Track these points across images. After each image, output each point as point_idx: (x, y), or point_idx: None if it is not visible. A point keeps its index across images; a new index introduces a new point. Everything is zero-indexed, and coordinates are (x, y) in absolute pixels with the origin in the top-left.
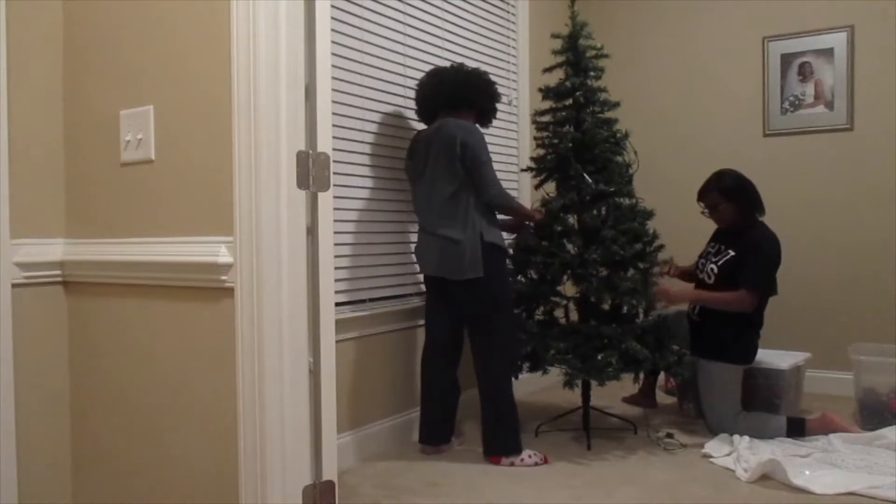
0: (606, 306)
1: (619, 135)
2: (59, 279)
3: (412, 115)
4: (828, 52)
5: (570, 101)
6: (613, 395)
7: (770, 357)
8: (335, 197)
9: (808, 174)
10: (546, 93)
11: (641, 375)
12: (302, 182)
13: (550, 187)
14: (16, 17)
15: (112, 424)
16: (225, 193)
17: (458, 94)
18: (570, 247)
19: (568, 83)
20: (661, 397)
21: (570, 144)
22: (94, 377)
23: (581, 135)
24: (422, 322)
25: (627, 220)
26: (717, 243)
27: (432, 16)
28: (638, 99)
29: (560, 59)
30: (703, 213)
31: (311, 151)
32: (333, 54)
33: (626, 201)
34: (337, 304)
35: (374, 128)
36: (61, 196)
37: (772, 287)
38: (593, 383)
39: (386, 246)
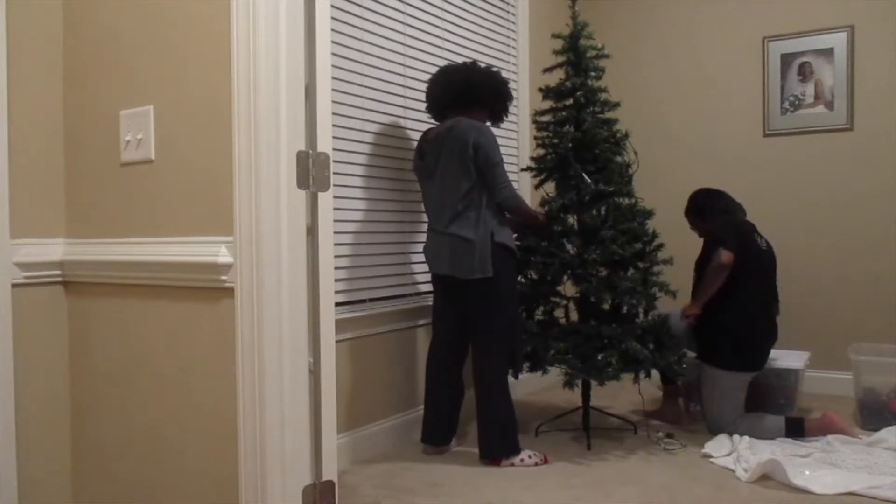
0: (606, 306)
1: (619, 135)
2: (59, 279)
3: (413, 115)
4: (828, 52)
5: (570, 101)
6: (613, 395)
7: (775, 357)
8: (335, 197)
9: (808, 174)
10: (546, 93)
11: (642, 377)
12: (302, 182)
13: (550, 187)
14: (15, 17)
15: (112, 424)
16: (225, 193)
17: (469, 94)
18: (569, 247)
19: (568, 83)
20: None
21: (570, 144)
22: (94, 377)
23: (581, 135)
24: (422, 322)
25: (627, 220)
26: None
27: (432, 16)
28: (638, 99)
29: (560, 59)
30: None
31: (311, 151)
32: (333, 54)
33: (626, 201)
34: (337, 305)
35: (374, 128)
36: (61, 196)
37: (736, 245)
38: (593, 383)
39: (386, 246)
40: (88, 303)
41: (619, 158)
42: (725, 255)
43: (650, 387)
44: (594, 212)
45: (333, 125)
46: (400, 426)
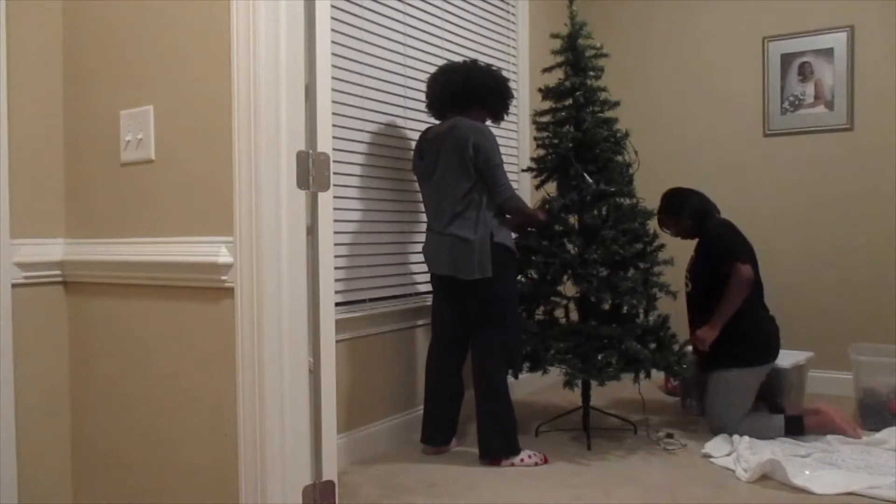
0: (607, 306)
1: (619, 134)
2: (59, 279)
3: (412, 115)
4: (828, 52)
5: (569, 101)
6: (613, 395)
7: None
8: (335, 197)
9: (808, 174)
10: (546, 93)
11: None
12: (302, 182)
13: (551, 187)
14: (16, 17)
15: (112, 424)
16: (225, 193)
17: (469, 92)
18: (570, 247)
19: (568, 83)
20: (662, 397)
21: (571, 144)
22: (94, 377)
23: (581, 134)
24: (421, 322)
25: (628, 220)
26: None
27: (432, 16)
28: (638, 99)
29: (559, 58)
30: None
31: (311, 151)
32: (333, 54)
33: (627, 201)
34: (336, 305)
35: (374, 128)
36: (61, 196)
37: (749, 253)
38: (593, 383)
39: (385, 246)
40: (88, 303)
41: (619, 158)
42: (746, 271)
43: (650, 386)
44: (595, 212)
45: (333, 125)
46: (400, 426)
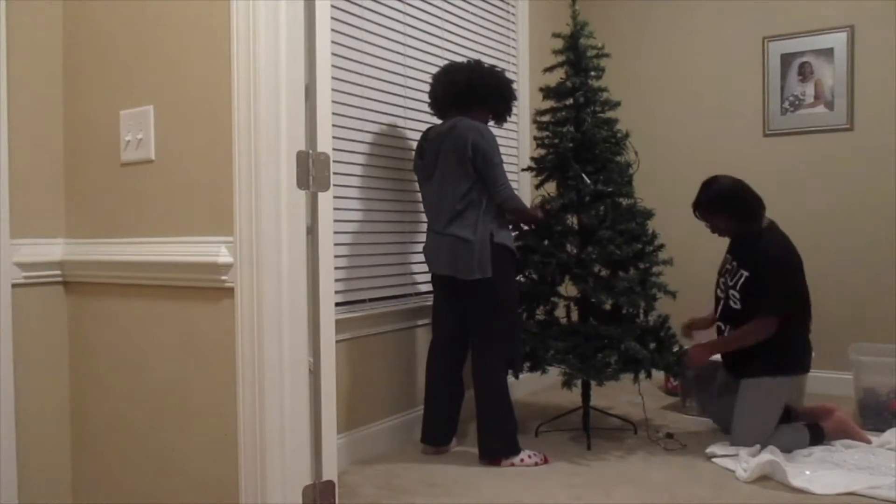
0: (607, 306)
1: (619, 135)
2: (59, 279)
3: (412, 115)
4: (828, 52)
5: (570, 101)
6: (613, 395)
7: None
8: (335, 197)
9: (808, 174)
10: (546, 93)
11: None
12: (302, 182)
13: (550, 187)
14: (15, 17)
15: (112, 424)
16: (225, 193)
17: (471, 93)
18: (569, 247)
19: (568, 83)
20: (662, 397)
21: (570, 144)
22: (94, 377)
23: (581, 135)
24: (421, 322)
25: (626, 221)
26: (731, 258)
27: (432, 16)
28: (638, 99)
29: (560, 58)
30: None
31: (311, 151)
32: (333, 54)
33: (626, 201)
34: (336, 304)
35: (373, 128)
36: (61, 196)
37: (791, 301)
38: (593, 383)
39: (385, 246)
40: (88, 303)
41: (619, 158)
42: (772, 326)
43: (651, 386)
44: (593, 212)
45: (333, 125)
46: (400, 426)
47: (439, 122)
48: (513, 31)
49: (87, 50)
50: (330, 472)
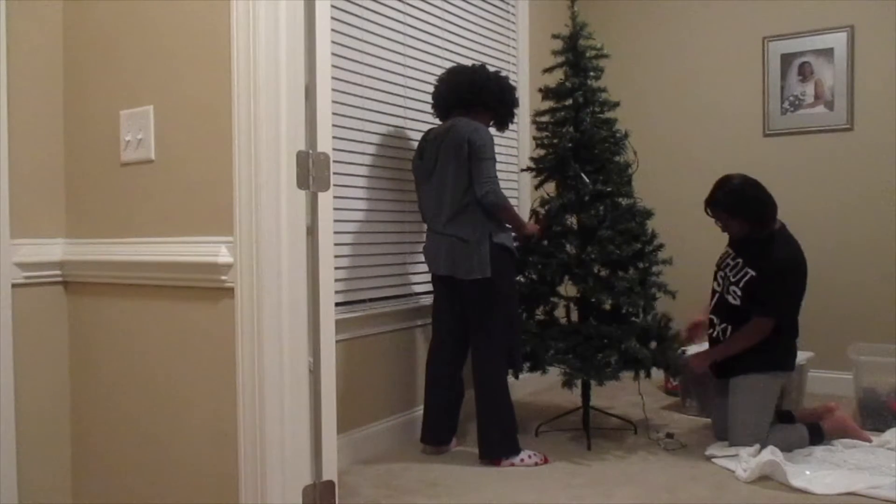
0: (607, 306)
1: (618, 135)
2: (59, 279)
3: (413, 115)
4: (828, 52)
5: (569, 102)
6: (613, 395)
7: None
8: (335, 197)
9: (808, 174)
10: (546, 93)
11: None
12: (302, 182)
13: (550, 187)
14: (16, 17)
15: (112, 424)
16: (225, 193)
17: (472, 95)
18: (569, 247)
19: (568, 83)
20: (662, 397)
21: (570, 144)
22: (94, 377)
23: (580, 135)
24: (421, 322)
25: (625, 220)
26: (735, 254)
27: (432, 16)
28: (638, 99)
29: (560, 59)
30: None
31: (311, 151)
32: (333, 54)
33: (625, 201)
34: (336, 305)
35: (374, 128)
36: (61, 196)
37: (789, 310)
38: (593, 383)
39: (386, 246)
40: (88, 303)
41: (618, 158)
42: (767, 328)
43: (650, 386)
44: (592, 212)
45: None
46: (400, 426)
47: (440, 122)
48: (513, 31)
49: (87, 50)
50: (330, 472)
